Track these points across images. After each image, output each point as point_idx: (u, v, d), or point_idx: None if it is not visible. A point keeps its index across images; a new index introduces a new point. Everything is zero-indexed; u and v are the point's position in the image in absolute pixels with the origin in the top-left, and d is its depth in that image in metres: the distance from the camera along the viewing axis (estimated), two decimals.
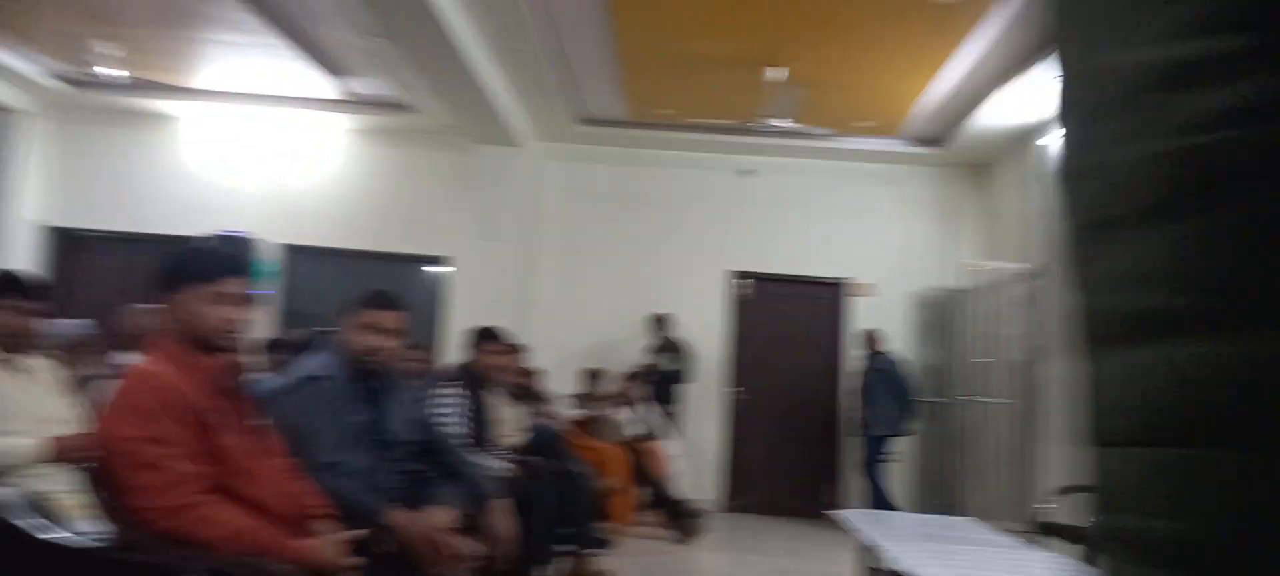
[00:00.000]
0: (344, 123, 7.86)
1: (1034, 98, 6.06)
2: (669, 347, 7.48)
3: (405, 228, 7.97)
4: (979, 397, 6.75)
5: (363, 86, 7.14)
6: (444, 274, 8.05)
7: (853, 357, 7.50)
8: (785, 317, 8.04)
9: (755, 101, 6.29)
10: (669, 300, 7.72)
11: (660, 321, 7.52)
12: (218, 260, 2.11)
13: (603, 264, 7.98)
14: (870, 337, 7.22)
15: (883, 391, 6.90)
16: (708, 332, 7.75)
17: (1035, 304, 6.41)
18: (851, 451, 7.41)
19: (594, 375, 6.78)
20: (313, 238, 7.96)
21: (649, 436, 6.89)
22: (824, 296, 8.05)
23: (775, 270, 7.99)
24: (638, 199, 8.06)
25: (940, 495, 7.42)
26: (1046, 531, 4.48)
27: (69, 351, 4.10)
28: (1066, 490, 4.74)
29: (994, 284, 6.88)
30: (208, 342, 2.04)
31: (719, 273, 7.97)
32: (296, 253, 7.97)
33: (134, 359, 3.40)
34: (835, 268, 7.98)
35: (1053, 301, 6.16)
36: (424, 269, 8.22)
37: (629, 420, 6.79)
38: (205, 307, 2.03)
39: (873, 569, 4.26)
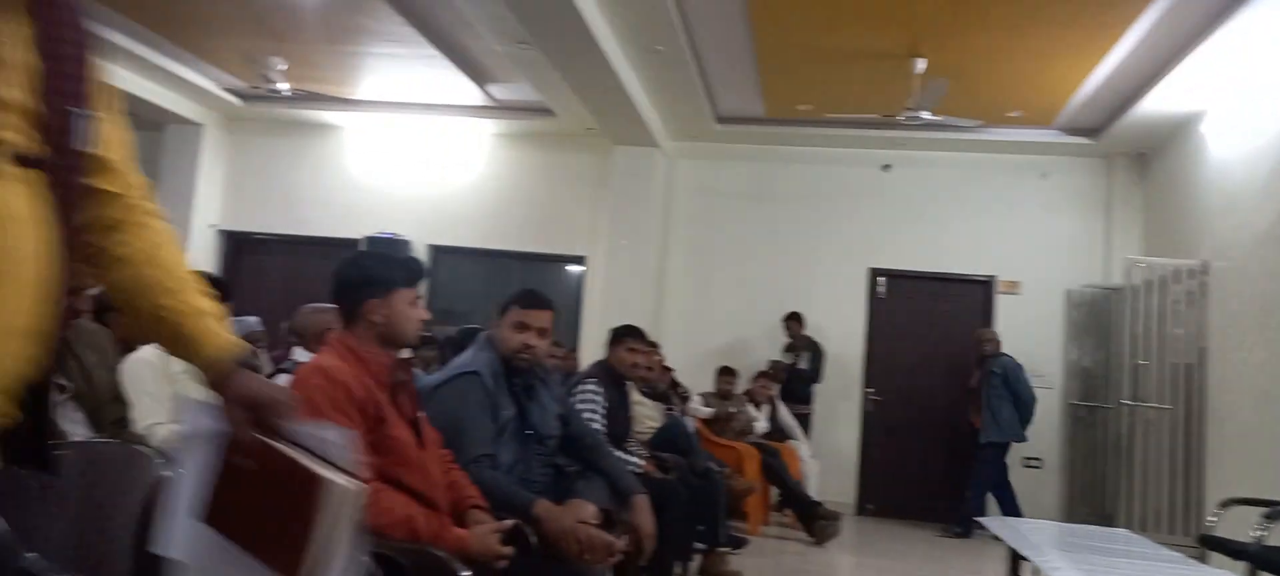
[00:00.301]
0: (489, 128, 8.17)
1: (1201, 82, 5.66)
2: (802, 346, 7.40)
3: (545, 228, 8.21)
4: (1138, 402, 6.35)
5: (507, 92, 7.41)
6: (582, 272, 8.25)
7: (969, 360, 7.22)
8: (926, 316, 7.81)
9: (898, 94, 6.14)
10: (803, 298, 7.64)
11: (794, 320, 7.45)
12: (417, 267, 2.28)
13: (736, 262, 7.97)
14: (984, 339, 6.95)
15: (998, 396, 6.65)
16: (844, 332, 7.62)
17: (1201, 302, 5.99)
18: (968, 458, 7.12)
19: (727, 373, 6.79)
20: (458, 238, 8.31)
21: (781, 436, 6.86)
22: (967, 294, 7.77)
23: (916, 268, 7.77)
24: (772, 196, 8.00)
25: (1092, 505, 7.04)
26: (1210, 546, 4.19)
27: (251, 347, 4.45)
28: (1233, 502, 4.42)
29: (1156, 280, 6.46)
30: (399, 341, 2.20)
31: (856, 270, 7.82)
32: (442, 253, 8.34)
33: (304, 354, 3.67)
34: (980, 265, 7.68)
35: (1221, 299, 5.73)
36: (564, 268, 8.45)
37: (761, 419, 6.77)
38: (409, 310, 2.19)
39: None
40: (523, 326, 2.77)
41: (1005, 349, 7.09)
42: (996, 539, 3.79)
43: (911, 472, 7.63)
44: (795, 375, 7.26)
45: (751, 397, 6.81)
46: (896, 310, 7.78)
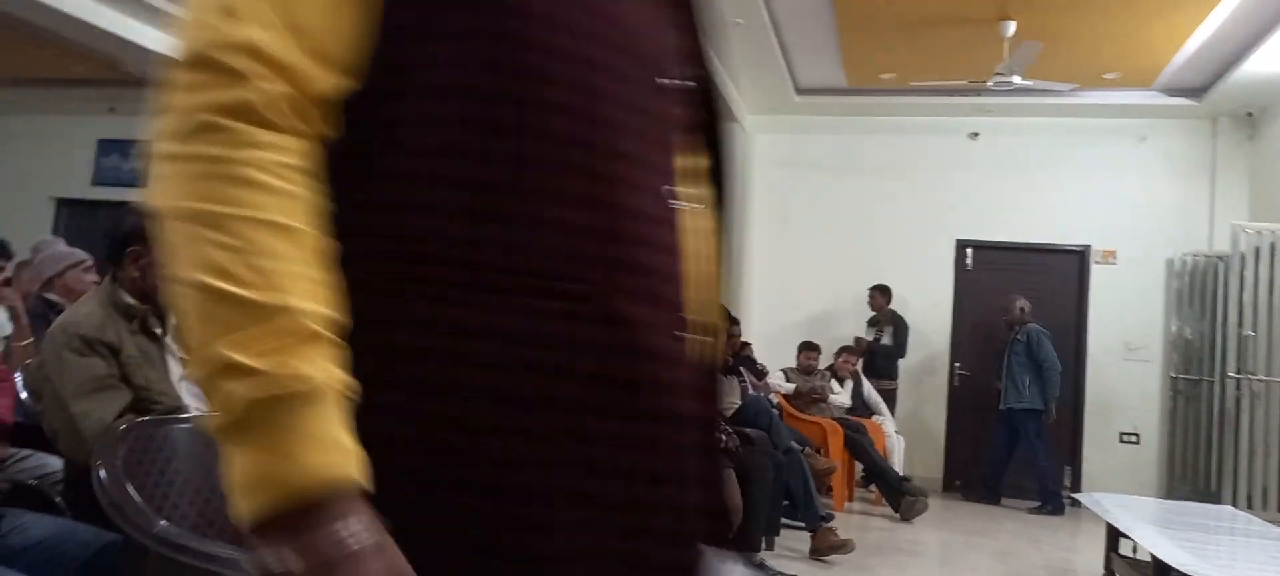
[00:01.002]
0: None
1: None
2: (886, 321, 7.30)
3: None
4: (1245, 375, 6.07)
5: None
6: None
7: (1001, 329, 7.03)
8: (1016, 289, 7.58)
9: (986, 59, 5.96)
10: (887, 272, 7.52)
11: (880, 292, 7.35)
12: None
13: (817, 236, 7.89)
14: (1011, 306, 6.80)
15: (1020, 364, 6.55)
16: (930, 305, 7.46)
17: None
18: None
19: (809, 349, 6.74)
20: None
21: (866, 411, 6.79)
22: (1060, 265, 7.53)
23: (1005, 238, 7.56)
24: (854, 168, 7.88)
25: (1194, 481, 6.78)
26: None
27: None
28: None
29: (1265, 247, 6.14)
30: None
31: (943, 242, 7.65)
32: None
33: None
34: (1074, 234, 7.43)
35: None
36: None
37: (844, 394, 6.71)
38: None
39: (1122, 556, 4.00)
40: None
41: (1101, 320, 6.90)
42: (1094, 515, 3.70)
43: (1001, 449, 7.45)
44: (879, 350, 7.16)
45: (834, 373, 6.76)
46: (985, 282, 7.59)
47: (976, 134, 7.64)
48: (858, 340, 7.15)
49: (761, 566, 3.96)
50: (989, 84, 6.00)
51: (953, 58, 6.34)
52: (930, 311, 7.45)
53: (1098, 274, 7.37)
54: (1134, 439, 7.15)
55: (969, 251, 7.66)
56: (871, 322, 7.37)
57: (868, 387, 6.96)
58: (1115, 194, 7.36)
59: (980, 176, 7.61)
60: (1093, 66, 6.45)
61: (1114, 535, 4.05)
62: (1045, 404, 6.51)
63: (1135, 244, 7.25)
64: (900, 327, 7.27)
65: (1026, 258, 7.59)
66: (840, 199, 7.87)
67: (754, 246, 8.02)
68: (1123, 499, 4.42)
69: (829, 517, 5.34)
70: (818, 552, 4.55)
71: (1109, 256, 7.37)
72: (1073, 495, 7.05)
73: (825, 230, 7.86)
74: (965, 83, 6.27)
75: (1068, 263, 7.52)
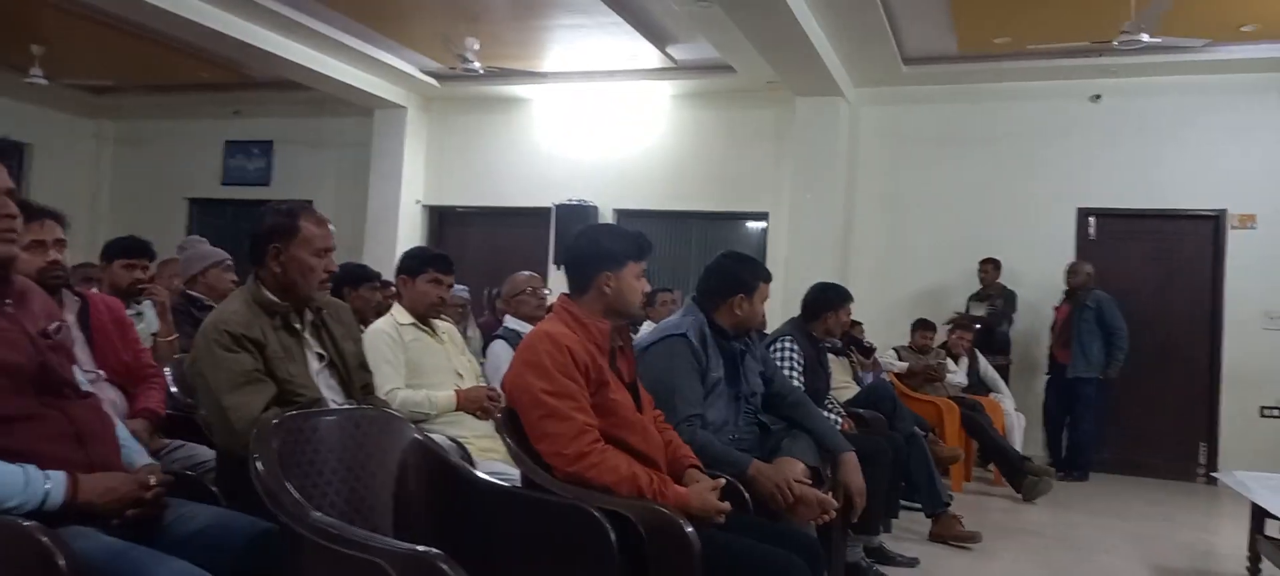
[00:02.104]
0: (669, 89, 8.22)
1: None
2: (995, 294, 7.04)
3: (727, 186, 8.19)
4: None
5: (687, 52, 7.42)
6: (764, 229, 8.20)
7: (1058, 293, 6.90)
8: (1144, 257, 7.21)
9: (1110, 17, 5.64)
10: (1004, 245, 7.24)
11: (990, 265, 7.09)
12: (646, 242, 2.37)
13: (928, 211, 7.64)
14: (1076, 271, 6.60)
15: (1089, 332, 6.40)
16: (1052, 278, 7.11)
17: None
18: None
19: (924, 327, 6.56)
20: (641, 201, 8.45)
21: (982, 389, 6.57)
22: (1193, 231, 7.11)
23: (1131, 205, 7.17)
24: (965, 138, 7.59)
25: None
26: None
27: (458, 314, 4.77)
28: None
29: None
30: (626, 312, 2.29)
31: (1063, 211, 7.31)
32: (626, 216, 8.52)
33: (515, 322, 3.89)
34: (1208, 198, 6.99)
35: None
36: (745, 225, 8.42)
37: (960, 372, 6.51)
38: (636, 282, 2.29)
39: (1269, 537, 3.77)
40: (764, 298, 2.91)
41: (1239, 288, 6.48)
42: (1234, 494, 3.49)
43: (1130, 425, 7.10)
44: (989, 324, 6.91)
45: (949, 350, 6.56)
46: (1110, 252, 7.22)
47: (1098, 97, 7.25)
48: (959, 315, 6.93)
49: (880, 549, 3.89)
50: (1114, 43, 5.68)
51: (1074, 17, 6.03)
52: (1052, 285, 7.10)
53: (1235, 239, 6.92)
54: (1276, 413, 6.71)
55: (1092, 220, 7.29)
56: (977, 296, 7.14)
57: (984, 364, 6.74)
58: (1253, 155, 6.88)
59: (1103, 141, 7.23)
60: (1228, 19, 6.02)
61: (1259, 515, 3.82)
62: (1108, 368, 6.44)
63: (1276, 207, 6.77)
64: (1009, 301, 7.02)
65: (1155, 224, 7.19)
66: (951, 172, 7.60)
67: (862, 224, 7.84)
68: (1269, 477, 4.14)
69: (946, 499, 5.22)
70: (939, 538, 4.44)
71: (1247, 221, 6.91)
72: (1210, 473, 6.70)
73: (936, 205, 7.61)
74: (1087, 43, 5.95)
75: (1201, 229, 7.08)
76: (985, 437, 5.85)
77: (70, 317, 2.53)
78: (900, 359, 6.36)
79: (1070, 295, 6.67)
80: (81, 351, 2.49)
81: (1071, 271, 6.67)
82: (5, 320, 1.67)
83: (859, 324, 6.11)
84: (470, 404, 3.10)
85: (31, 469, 1.53)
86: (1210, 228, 7.05)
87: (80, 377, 1.84)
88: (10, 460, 1.53)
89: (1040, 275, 7.14)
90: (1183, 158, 7.02)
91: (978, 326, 6.86)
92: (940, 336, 6.71)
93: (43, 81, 8.09)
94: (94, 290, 3.05)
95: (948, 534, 4.43)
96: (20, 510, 1.49)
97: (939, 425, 5.52)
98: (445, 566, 1.49)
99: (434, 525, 2.03)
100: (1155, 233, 7.20)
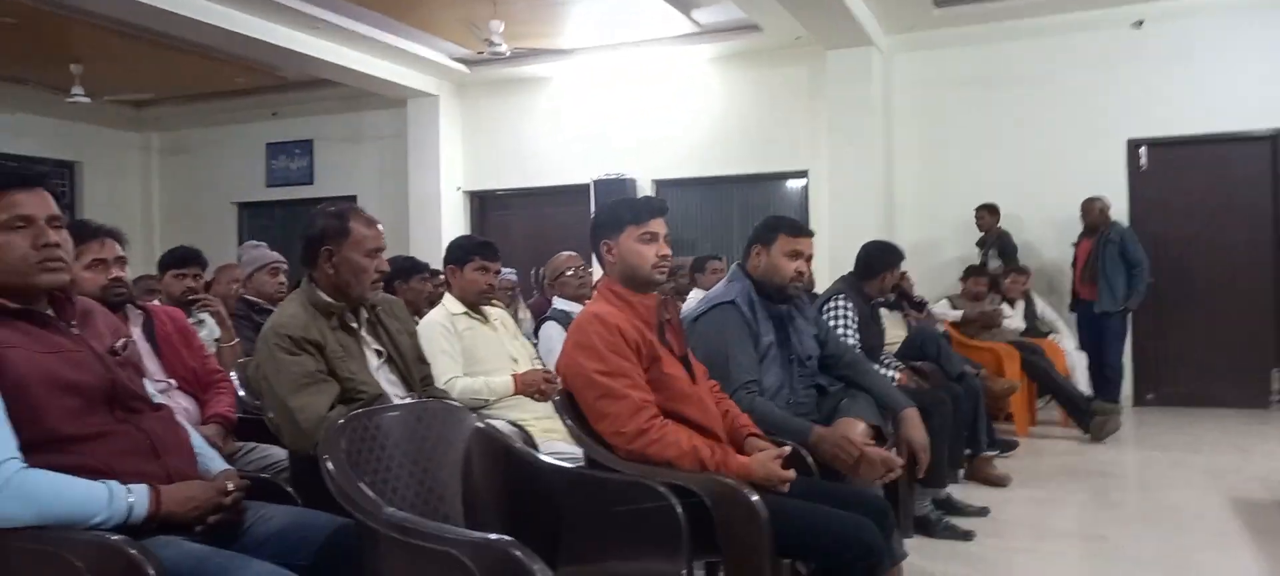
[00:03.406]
0: (697, 54, 8.14)
1: None
2: (992, 241, 6.98)
3: (763, 146, 8.11)
4: None
5: (712, 15, 7.33)
6: (804, 187, 8.11)
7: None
8: (1200, 184, 6.99)
9: None
10: (1052, 183, 7.06)
11: (987, 211, 7.04)
12: (645, 204, 2.34)
13: (970, 157, 7.47)
14: (1094, 208, 6.46)
15: (1114, 266, 6.27)
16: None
17: None
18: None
19: (976, 273, 6.45)
20: (679, 169, 8.40)
21: (1041, 331, 6.45)
22: (1249, 154, 6.87)
23: (1183, 132, 6.94)
24: (1004, 79, 7.39)
25: None
26: None
27: (507, 298, 4.80)
28: None
29: None
30: (645, 279, 2.28)
31: (1111, 145, 7.10)
32: (665, 185, 8.48)
33: (564, 303, 3.91)
34: (1264, 118, 6.74)
35: None
36: (785, 184, 8.34)
37: (1016, 316, 6.40)
38: (641, 247, 2.27)
39: None
40: (795, 254, 2.78)
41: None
42: None
43: (1196, 357, 6.94)
44: (1004, 272, 6.80)
45: (1004, 295, 6.45)
46: (1163, 182, 7.01)
47: (1141, 22, 7.01)
48: (969, 268, 6.84)
49: (948, 500, 3.86)
50: None
51: None
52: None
53: None
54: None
55: (1142, 150, 7.08)
56: (980, 244, 7.07)
57: (1042, 305, 6.62)
58: None
59: (1148, 68, 6.99)
60: None
61: None
62: (1129, 300, 6.33)
63: None
64: (1008, 246, 6.94)
65: (1209, 150, 6.97)
66: (992, 114, 7.42)
67: (903, 175, 7.70)
68: None
69: (1011, 444, 5.17)
70: (974, 479, 4.41)
71: None
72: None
73: (978, 149, 7.44)
74: None
75: (1258, 150, 6.85)
76: (1048, 380, 5.75)
77: (136, 332, 2.60)
78: (954, 308, 6.27)
79: (1089, 231, 6.56)
80: (151, 363, 2.55)
81: (1086, 208, 6.55)
82: (72, 342, 1.71)
83: (906, 275, 6.03)
84: (527, 387, 3.13)
85: (114, 484, 1.58)
86: (1266, 148, 6.80)
87: (151, 390, 1.89)
88: (91, 477, 1.58)
89: None
90: (1232, 78, 6.76)
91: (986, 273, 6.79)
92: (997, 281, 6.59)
93: (85, 100, 8.27)
94: (156, 302, 3.12)
95: (980, 475, 4.43)
96: (107, 525, 1.54)
97: (999, 372, 5.44)
98: (518, 552, 1.50)
99: (502, 511, 2.06)
100: (1209, 158, 6.98)
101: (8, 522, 1.49)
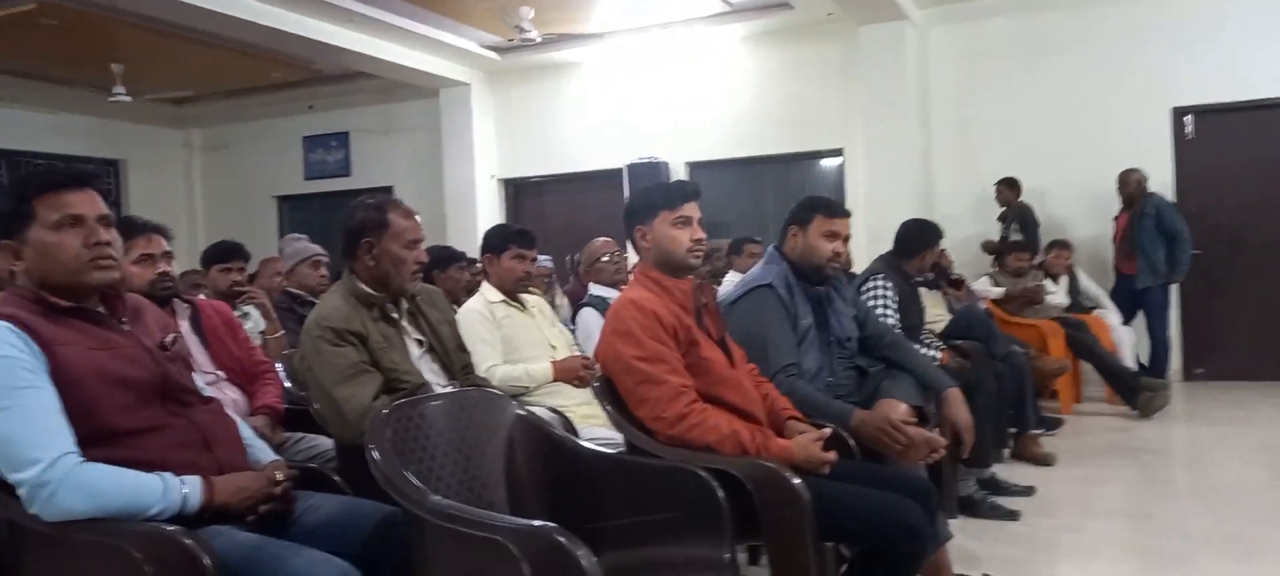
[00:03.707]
0: (727, 34, 8.07)
1: None
2: (1014, 215, 6.85)
3: (797, 126, 8.03)
4: None
5: None
6: (840, 165, 8.03)
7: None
8: (1250, 152, 6.79)
9: None
10: (1093, 156, 6.89)
11: (1006, 186, 6.92)
12: (677, 188, 2.34)
13: (1009, 130, 7.31)
14: (1129, 180, 6.32)
15: (1151, 239, 6.13)
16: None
17: None
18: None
19: (1019, 249, 6.35)
20: (712, 151, 8.36)
21: (1085, 307, 6.34)
22: None
23: (1230, 98, 6.75)
24: (1043, 49, 7.24)
25: None
26: None
27: (544, 285, 4.82)
28: None
29: None
30: (679, 264, 2.28)
31: (1155, 114, 6.93)
32: (698, 168, 8.45)
33: (600, 289, 3.91)
34: None
35: None
36: (819, 164, 8.26)
37: (1059, 292, 6.29)
38: (675, 231, 2.26)
39: None
40: (832, 235, 2.76)
41: None
42: None
43: (1247, 329, 6.77)
44: (1010, 246, 6.69)
45: (1047, 270, 6.34)
46: (1210, 150, 6.83)
47: None
48: (987, 243, 6.72)
49: (993, 479, 3.82)
50: None
51: None
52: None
53: None
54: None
55: (1188, 118, 6.90)
56: (1001, 219, 6.95)
57: (1085, 280, 6.50)
58: None
59: (1192, 34, 6.80)
60: None
61: None
62: (1173, 274, 6.21)
63: None
64: (1029, 221, 6.82)
65: (1257, 116, 6.77)
66: (1031, 86, 7.26)
67: (940, 151, 7.59)
68: None
69: (1057, 423, 5.10)
70: (1019, 457, 4.36)
71: None
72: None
73: (1017, 122, 7.29)
74: None
75: None
76: (1093, 356, 5.66)
77: (184, 326, 2.65)
78: (995, 284, 6.18)
79: (1127, 205, 6.43)
80: (199, 356, 2.61)
81: (1123, 180, 6.43)
82: (123, 338, 1.75)
83: (944, 252, 5.97)
84: (566, 374, 3.15)
85: (169, 476, 1.62)
86: None
87: (201, 383, 1.93)
88: (145, 470, 1.62)
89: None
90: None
91: (1001, 248, 6.68)
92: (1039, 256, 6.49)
93: (126, 98, 8.42)
94: (201, 296, 3.18)
95: (1026, 454, 4.38)
96: (162, 516, 1.58)
97: (1043, 349, 5.36)
98: (563, 539, 1.52)
99: (545, 497, 2.07)
100: (1257, 124, 6.78)
101: (68, 515, 1.53)
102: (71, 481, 1.53)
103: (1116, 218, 6.59)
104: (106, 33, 7.21)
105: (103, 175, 9.87)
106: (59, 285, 1.69)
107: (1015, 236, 6.79)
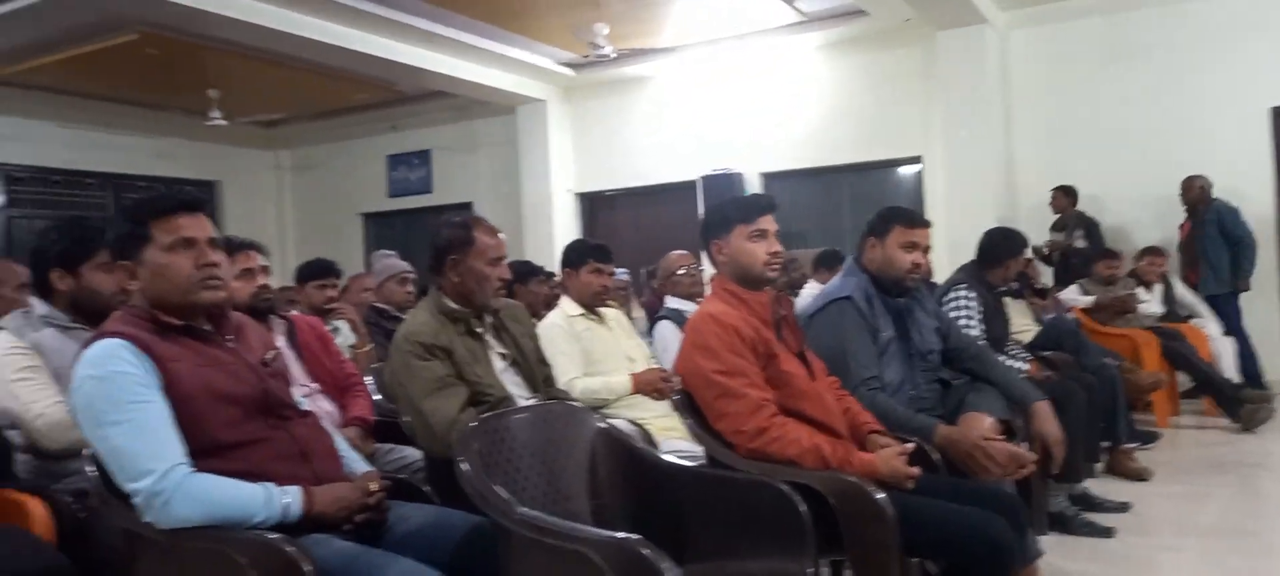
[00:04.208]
0: (802, 44, 8.03)
1: None
2: (1073, 223, 6.66)
3: (874, 134, 7.93)
4: None
5: (815, 2, 7.23)
6: (918, 173, 7.90)
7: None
8: None
9: None
10: (1186, 159, 6.58)
11: (1062, 194, 6.76)
12: (753, 201, 2.35)
13: (1096, 135, 7.08)
14: (1192, 187, 6.15)
15: (1215, 246, 5.97)
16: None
17: None
18: None
19: (1109, 257, 6.14)
20: (787, 162, 8.31)
21: (1181, 316, 6.09)
22: None
23: None
24: (1132, 49, 6.99)
25: None
26: None
27: (621, 298, 4.87)
28: None
29: None
30: (757, 277, 2.28)
31: (1253, 114, 6.62)
32: (773, 179, 8.41)
33: (677, 302, 3.93)
34: None
35: None
36: (897, 172, 8.14)
37: (1153, 301, 6.05)
38: (751, 245, 2.27)
39: None
40: (912, 245, 2.72)
41: None
42: None
43: None
44: (1072, 253, 6.43)
45: (1139, 278, 6.11)
46: None
47: None
48: (1036, 249, 6.48)
49: (1085, 496, 3.70)
50: None
51: None
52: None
53: None
54: None
55: None
56: (1056, 227, 6.76)
57: (1181, 289, 6.24)
58: None
59: None
60: None
61: None
62: (1238, 280, 6.04)
63: None
64: (1092, 229, 6.65)
65: None
66: (1119, 88, 7.02)
67: (1024, 158, 7.39)
68: None
69: (1152, 437, 4.91)
70: (1113, 473, 4.20)
71: None
72: None
73: (1105, 127, 7.06)
74: None
75: None
76: (1191, 367, 5.43)
77: (280, 341, 2.77)
78: (1084, 293, 5.98)
79: (1191, 212, 6.27)
80: (295, 369, 2.72)
81: (1186, 187, 6.27)
82: (229, 355, 1.84)
83: (1032, 262, 5.81)
84: (645, 386, 3.18)
85: (271, 486, 1.69)
86: None
87: (297, 396, 2.01)
88: (249, 480, 1.70)
89: (1234, 188, 6.45)
90: None
91: (1063, 256, 6.48)
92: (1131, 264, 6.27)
93: (222, 122, 8.82)
94: (295, 311, 3.32)
95: (1121, 469, 4.22)
96: (265, 525, 1.65)
97: (1136, 360, 5.16)
98: (647, 551, 1.54)
99: (627, 509, 2.10)
100: None
101: (181, 523, 1.62)
102: (183, 491, 1.61)
103: (1182, 226, 6.38)
104: (203, 60, 7.58)
105: (202, 197, 10.35)
106: (171, 304, 1.78)
107: (1079, 243, 6.61)
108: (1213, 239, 6.08)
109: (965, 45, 7.08)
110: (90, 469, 1.73)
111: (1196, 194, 6.23)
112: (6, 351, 2.23)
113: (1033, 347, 4.24)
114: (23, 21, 5.99)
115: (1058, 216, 6.85)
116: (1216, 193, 6.39)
